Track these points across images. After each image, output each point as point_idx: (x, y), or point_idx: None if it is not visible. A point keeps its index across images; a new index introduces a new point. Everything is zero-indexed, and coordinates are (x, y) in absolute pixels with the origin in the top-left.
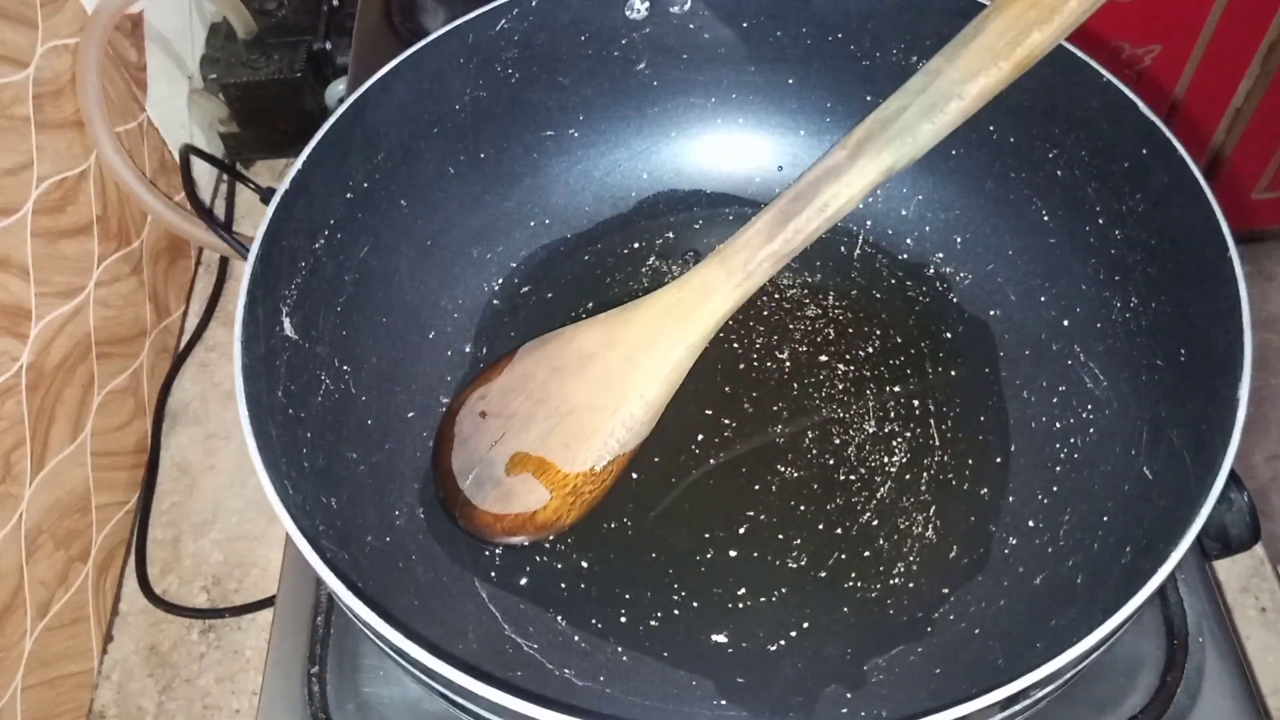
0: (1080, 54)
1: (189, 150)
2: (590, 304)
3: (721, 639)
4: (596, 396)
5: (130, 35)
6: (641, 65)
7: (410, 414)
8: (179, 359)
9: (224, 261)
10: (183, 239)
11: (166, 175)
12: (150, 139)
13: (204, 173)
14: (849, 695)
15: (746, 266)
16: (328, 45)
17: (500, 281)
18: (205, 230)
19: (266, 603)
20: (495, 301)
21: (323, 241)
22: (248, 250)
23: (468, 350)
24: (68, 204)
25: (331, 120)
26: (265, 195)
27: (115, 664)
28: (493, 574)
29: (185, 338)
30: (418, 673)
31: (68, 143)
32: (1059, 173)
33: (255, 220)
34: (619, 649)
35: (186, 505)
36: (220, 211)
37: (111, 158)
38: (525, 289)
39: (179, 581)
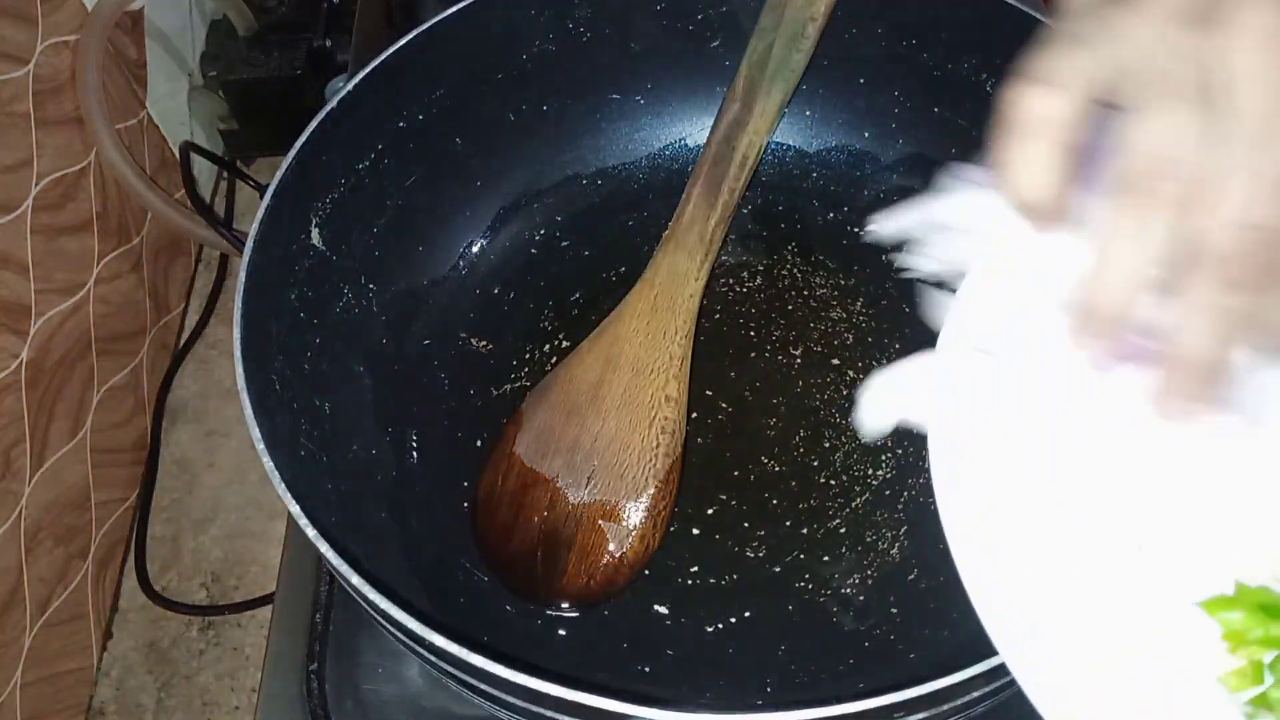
0: None
1: (189, 147)
2: (623, 268)
3: (663, 610)
4: (624, 419)
5: (130, 32)
6: (716, 43)
7: (427, 341)
8: (179, 356)
9: (224, 259)
10: (183, 236)
11: (166, 172)
12: (150, 136)
13: (204, 170)
14: (769, 689)
15: (703, 240)
16: (328, 43)
17: (542, 232)
18: (205, 227)
19: (266, 599)
20: (533, 251)
21: (368, 163)
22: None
23: (495, 292)
24: (67, 201)
25: (386, 54)
26: (265, 192)
27: (115, 661)
28: (465, 504)
29: (185, 335)
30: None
31: (67, 140)
32: None
33: (255, 218)
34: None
35: (186, 502)
36: (220, 209)
37: (111, 155)
38: (565, 243)
39: (178, 578)
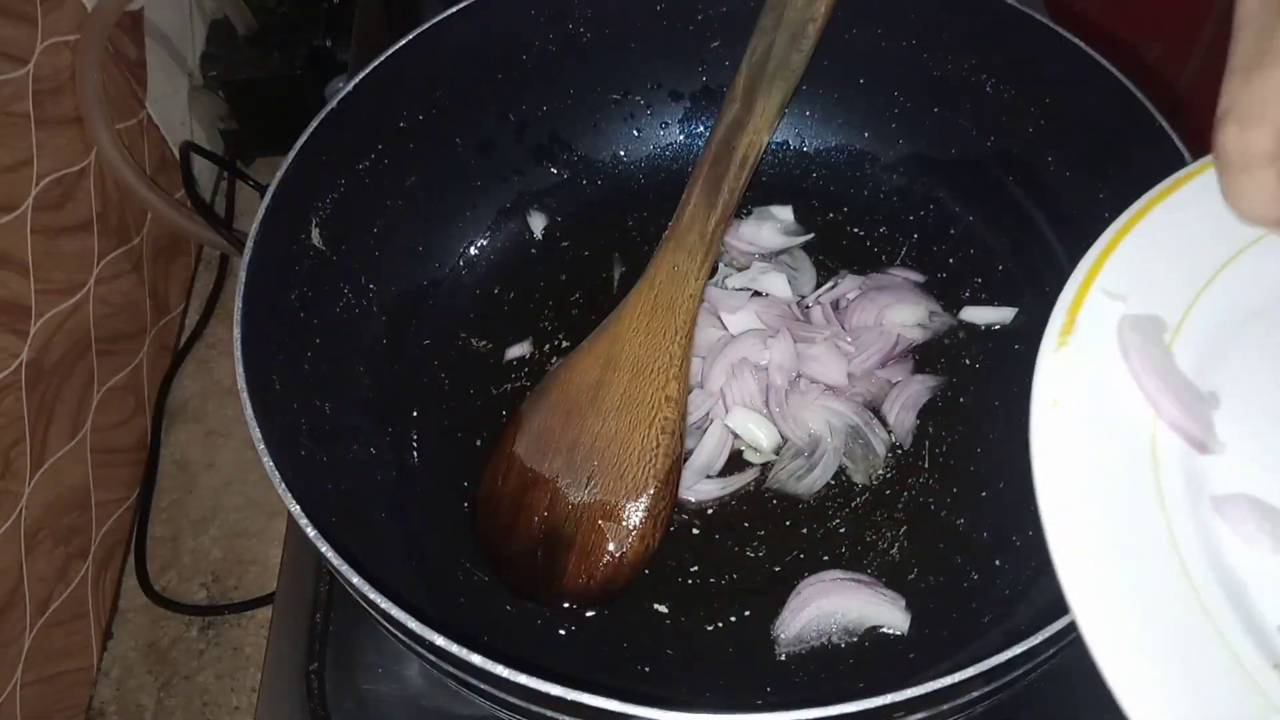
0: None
1: (189, 148)
2: (624, 268)
3: (663, 609)
4: (624, 419)
5: (130, 32)
6: (716, 44)
7: (427, 341)
8: (179, 356)
9: (224, 259)
10: (183, 236)
11: (166, 173)
12: (150, 136)
13: (204, 170)
14: (769, 689)
15: (704, 240)
16: (328, 42)
17: (542, 232)
18: (205, 228)
19: (266, 600)
20: (533, 250)
21: (367, 164)
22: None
23: (495, 292)
24: (67, 201)
25: (386, 54)
26: (265, 192)
27: (114, 661)
28: (465, 504)
29: (185, 335)
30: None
31: (67, 140)
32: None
33: (255, 218)
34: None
35: (186, 502)
36: (220, 209)
37: (111, 155)
38: (565, 243)
39: (178, 578)
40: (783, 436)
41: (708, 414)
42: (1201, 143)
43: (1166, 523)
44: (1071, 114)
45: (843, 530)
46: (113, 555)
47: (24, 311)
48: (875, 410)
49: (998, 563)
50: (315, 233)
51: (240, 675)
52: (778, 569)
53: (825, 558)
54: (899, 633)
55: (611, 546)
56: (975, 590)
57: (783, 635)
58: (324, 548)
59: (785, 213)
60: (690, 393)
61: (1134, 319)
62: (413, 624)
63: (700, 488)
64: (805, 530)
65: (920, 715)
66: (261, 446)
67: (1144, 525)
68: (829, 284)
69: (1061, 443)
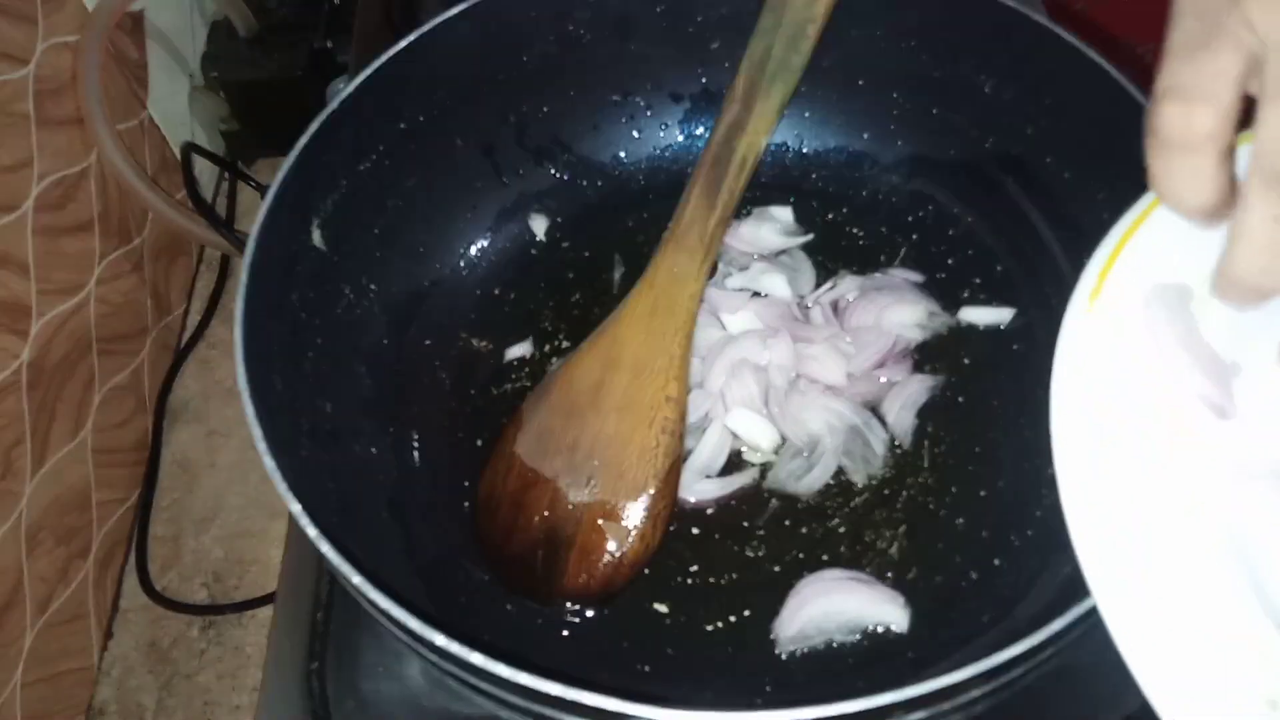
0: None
1: (190, 148)
2: (625, 268)
3: (663, 609)
4: (625, 419)
5: (131, 33)
6: (716, 45)
7: (427, 341)
8: (180, 356)
9: (225, 259)
10: (184, 237)
11: (167, 173)
12: (151, 137)
13: (205, 171)
14: (769, 688)
15: (703, 241)
16: (329, 44)
17: (543, 233)
18: (206, 228)
19: (267, 599)
20: (533, 251)
21: (368, 164)
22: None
23: (496, 292)
24: (68, 201)
25: (387, 55)
26: (266, 193)
27: (115, 660)
28: (466, 504)
29: (186, 335)
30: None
31: (68, 140)
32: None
33: (256, 218)
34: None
35: (187, 502)
36: (222, 209)
37: (112, 155)
38: (565, 244)
39: (179, 578)
40: (782, 436)
41: (707, 414)
42: None
43: (1187, 493)
44: (1071, 114)
45: (842, 530)
46: (113, 555)
47: (25, 312)
48: (875, 410)
49: (998, 563)
50: (316, 233)
51: (241, 675)
52: (777, 569)
53: (825, 557)
54: (899, 632)
55: (611, 546)
56: (975, 590)
57: (782, 634)
58: (324, 548)
59: (785, 213)
60: (690, 393)
61: (1163, 286)
62: (413, 623)
63: (700, 488)
64: (805, 530)
65: (920, 715)
66: (262, 446)
67: (1164, 495)
68: (829, 284)
69: (1083, 406)
